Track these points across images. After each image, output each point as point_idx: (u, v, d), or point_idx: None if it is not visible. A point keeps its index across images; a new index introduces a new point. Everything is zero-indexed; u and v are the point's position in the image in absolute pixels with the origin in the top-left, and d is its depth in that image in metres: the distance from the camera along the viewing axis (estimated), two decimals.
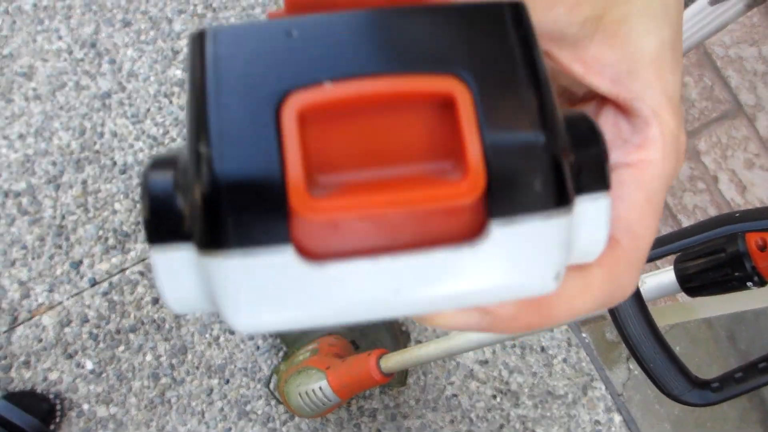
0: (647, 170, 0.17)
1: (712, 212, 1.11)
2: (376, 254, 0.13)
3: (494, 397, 1.17)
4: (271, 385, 1.05)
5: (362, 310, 0.14)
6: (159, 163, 0.14)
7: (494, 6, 0.14)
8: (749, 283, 0.65)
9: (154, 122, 1.15)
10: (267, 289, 0.13)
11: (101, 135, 1.12)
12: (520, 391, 1.19)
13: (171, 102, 1.16)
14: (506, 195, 0.13)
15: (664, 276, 0.72)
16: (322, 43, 0.13)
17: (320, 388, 0.90)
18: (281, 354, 1.08)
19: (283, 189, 0.12)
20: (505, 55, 0.14)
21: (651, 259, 0.64)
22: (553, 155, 0.13)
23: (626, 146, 0.18)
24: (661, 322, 1.30)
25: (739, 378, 0.59)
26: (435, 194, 0.13)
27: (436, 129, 0.13)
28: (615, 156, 0.18)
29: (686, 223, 1.16)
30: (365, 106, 0.13)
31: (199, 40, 0.14)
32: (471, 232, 0.13)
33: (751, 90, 1.00)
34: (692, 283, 0.70)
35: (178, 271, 0.14)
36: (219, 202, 0.13)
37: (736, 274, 0.66)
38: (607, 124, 0.18)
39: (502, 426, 1.16)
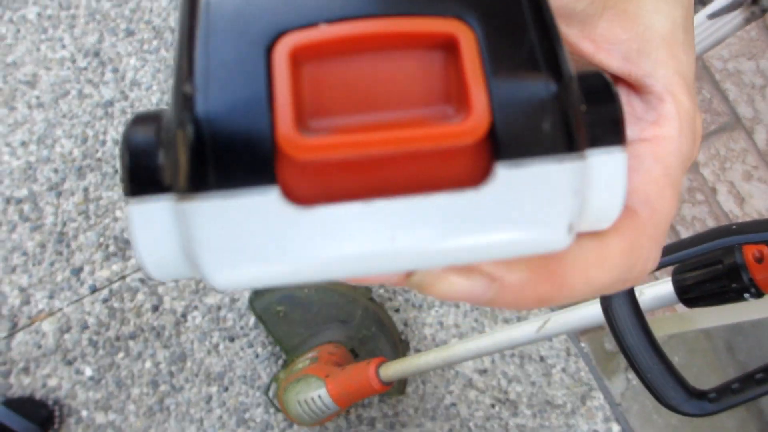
0: (663, 145, 0.17)
1: (711, 224, 1.11)
2: (370, 198, 0.12)
3: (493, 406, 1.17)
4: (270, 393, 1.05)
5: (354, 262, 0.12)
6: (141, 119, 0.14)
7: None
8: (746, 295, 0.66)
9: (125, 121, 1.15)
10: (249, 237, 0.12)
11: (103, 143, 1.13)
12: (519, 401, 1.19)
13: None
14: (513, 138, 0.12)
15: (662, 287, 0.72)
16: None
17: (319, 396, 0.90)
18: (280, 362, 1.08)
19: (270, 128, 0.12)
20: (512, 2, 0.13)
21: None
22: (562, 99, 0.13)
23: (640, 123, 0.17)
24: (660, 332, 1.31)
25: (736, 389, 0.60)
26: (434, 133, 0.12)
27: (438, 73, 0.13)
28: (630, 133, 0.17)
29: (685, 234, 1.16)
30: (362, 48, 0.12)
31: None
32: (475, 175, 0.12)
33: (749, 103, 1.01)
34: (690, 294, 0.70)
35: (155, 225, 0.13)
36: (202, 143, 0.12)
37: (734, 285, 0.66)
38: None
39: None
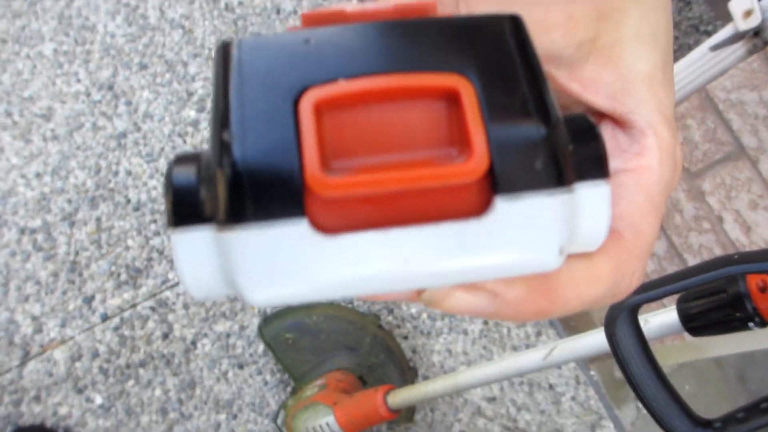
0: (646, 174, 0.18)
1: (718, 252, 1.11)
2: (386, 226, 0.14)
3: None
4: (279, 421, 1.05)
5: (373, 281, 0.14)
6: (183, 158, 0.16)
7: (494, 17, 0.15)
8: (750, 324, 0.66)
9: (168, 161, 1.18)
10: (282, 260, 0.14)
11: (116, 173, 1.15)
12: (528, 429, 1.18)
13: (185, 141, 1.19)
14: (509, 175, 0.14)
15: (667, 315, 0.73)
16: (337, 47, 0.14)
17: (327, 424, 0.90)
18: (289, 389, 1.09)
19: (299, 168, 0.14)
20: (504, 57, 0.15)
21: (652, 299, 0.65)
22: (551, 141, 0.14)
23: (625, 155, 0.19)
24: (670, 361, 1.30)
25: (741, 418, 0.60)
26: (440, 173, 0.14)
27: (442, 121, 0.14)
28: (615, 164, 0.19)
29: (692, 261, 1.16)
30: (376, 99, 0.14)
31: (224, 48, 0.15)
32: (478, 207, 0.14)
33: (753, 133, 1.02)
34: (695, 323, 0.71)
35: (197, 251, 0.15)
36: (240, 181, 0.14)
37: (738, 314, 0.67)
38: (606, 136, 0.19)
39: None
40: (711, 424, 0.59)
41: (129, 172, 1.16)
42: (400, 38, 0.15)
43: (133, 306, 1.09)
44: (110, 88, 1.20)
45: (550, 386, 1.23)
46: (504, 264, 0.14)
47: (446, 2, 0.17)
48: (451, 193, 0.14)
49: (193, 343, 1.08)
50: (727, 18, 1.03)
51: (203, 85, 1.23)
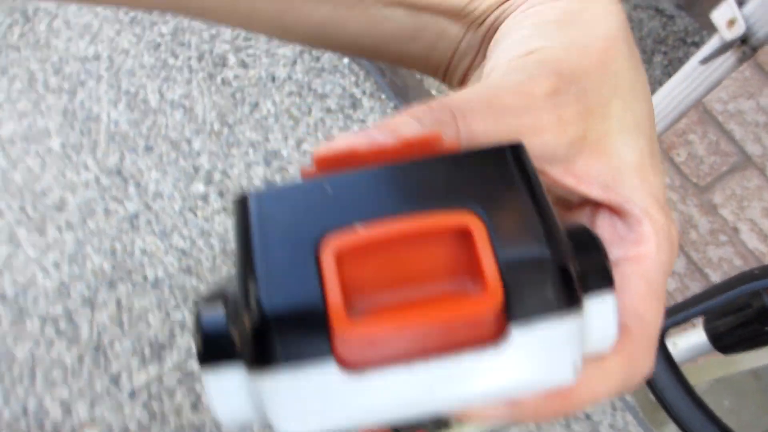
0: (645, 262, 0.19)
1: (738, 263, 1.10)
2: (410, 360, 0.15)
3: None
4: None
5: (401, 411, 0.15)
6: (210, 298, 0.17)
7: (497, 149, 0.16)
8: None
9: (181, 236, 1.20)
10: (313, 399, 0.15)
11: (131, 254, 1.17)
12: None
13: (196, 215, 1.21)
14: (522, 303, 0.15)
15: (695, 336, 0.72)
16: (352, 193, 0.15)
17: None
18: None
19: (324, 312, 0.14)
20: (509, 188, 0.16)
21: (677, 323, 0.64)
22: (559, 265, 0.15)
23: (624, 243, 0.20)
24: (705, 377, 1.28)
25: None
26: (459, 308, 0.14)
27: (455, 253, 0.15)
28: (616, 252, 0.20)
29: (713, 276, 1.15)
30: (393, 241, 0.15)
31: (242, 202, 0.16)
32: (494, 336, 0.15)
33: (756, 141, 1.02)
34: (724, 342, 0.70)
35: (229, 389, 0.16)
36: (268, 329, 0.14)
37: (766, 328, 0.66)
38: (605, 225, 0.21)
39: None
40: None
41: (144, 251, 1.17)
42: (410, 180, 0.16)
43: (160, 380, 1.09)
44: (118, 172, 1.22)
45: (587, 416, 1.21)
46: (522, 386, 0.15)
47: (445, 121, 0.18)
48: (470, 323, 0.15)
49: None
50: (712, 28, 1.04)
51: (209, 159, 1.25)
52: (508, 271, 0.15)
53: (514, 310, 0.15)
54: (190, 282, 1.17)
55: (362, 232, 0.15)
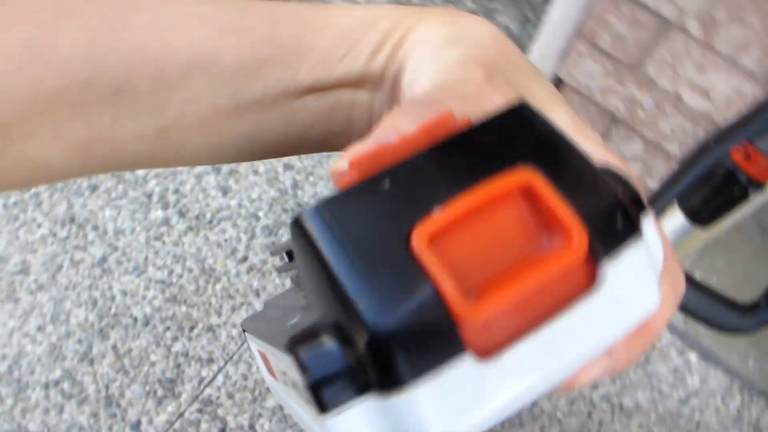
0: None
1: (689, 127, 1.12)
2: (530, 329, 0.15)
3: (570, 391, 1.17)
4: None
5: (536, 385, 0.15)
6: (300, 341, 0.15)
7: (513, 110, 0.17)
8: (751, 193, 0.67)
9: (156, 267, 1.18)
10: (458, 400, 0.14)
11: (112, 298, 1.15)
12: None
13: (164, 243, 1.19)
14: (601, 240, 0.15)
15: (673, 219, 0.73)
16: (409, 184, 0.15)
17: None
18: None
19: (443, 306, 0.14)
20: (544, 139, 0.16)
21: (657, 213, 0.65)
22: (618, 197, 0.16)
23: None
24: (692, 250, 1.31)
25: None
26: (557, 262, 0.14)
27: (526, 212, 0.15)
28: None
29: (671, 147, 1.17)
30: (470, 216, 0.15)
31: (301, 223, 0.15)
32: (591, 280, 0.15)
33: (668, 2, 1.02)
34: (702, 215, 0.71)
35: (363, 426, 0.15)
36: (392, 347, 0.13)
37: (736, 190, 0.68)
38: None
39: (590, 413, 1.16)
40: (758, 305, 0.60)
41: (124, 292, 1.15)
42: (454, 157, 0.16)
43: (181, 415, 1.08)
44: (72, 220, 1.19)
45: None
46: (631, 320, 0.16)
47: (432, 111, 0.18)
48: (567, 274, 0.15)
49: (251, 427, 1.08)
50: None
51: (157, 182, 1.22)
52: (579, 214, 0.15)
53: (597, 249, 0.15)
54: (179, 310, 1.16)
55: (442, 215, 0.14)
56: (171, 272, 1.17)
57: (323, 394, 0.15)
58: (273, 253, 0.27)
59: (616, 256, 0.15)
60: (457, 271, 0.14)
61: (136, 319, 1.13)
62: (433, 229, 0.14)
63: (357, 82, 0.26)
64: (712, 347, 1.29)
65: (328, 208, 0.15)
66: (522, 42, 1.57)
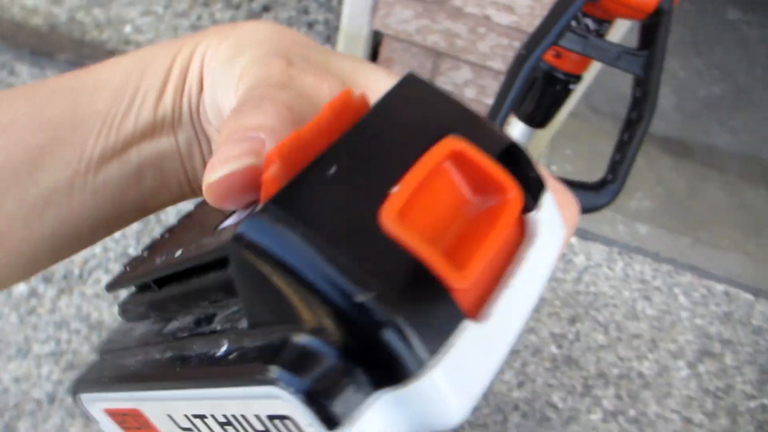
0: None
1: (505, 42, 1.18)
2: (504, 282, 0.15)
3: None
4: None
5: (521, 328, 0.15)
6: (294, 367, 0.13)
7: (406, 81, 0.17)
8: (571, 86, 0.73)
9: (40, 341, 1.11)
10: (469, 365, 0.14)
11: (6, 390, 1.07)
12: None
13: (39, 315, 1.12)
14: (527, 190, 0.16)
15: (517, 128, 0.79)
16: (356, 164, 0.15)
17: None
18: None
19: (433, 277, 0.13)
20: (448, 105, 0.17)
21: (497, 123, 0.70)
22: (524, 151, 0.17)
23: None
24: (541, 146, 1.40)
25: (617, 159, 0.67)
26: (510, 215, 0.15)
27: (463, 178, 0.16)
28: None
29: (495, 64, 1.23)
30: (422, 187, 0.15)
31: (241, 241, 0.14)
32: (526, 227, 0.17)
33: None
34: (537, 118, 0.77)
35: (377, 428, 0.13)
36: (403, 333, 0.13)
37: (558, 87, 0.74)
38: None
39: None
40: (605, 181, 0.66)
41: (16, 379, 1.08)
42: (383, 135, 0.15)
43: None
44: None
45: None
46: (555, 253, 0.17)
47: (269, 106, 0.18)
48: (513, 226, 0.16)
49: None
50: None
51: None
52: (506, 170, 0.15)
53: (527, 199, 0.16)
54: None
55: (400, 191, 0.14)
56: (58, 341, 1.11)
57: (330, 405, 0.13)
58: (111, 288, 0.25)
59: (540, 205, 0.17)
60: (432, 241, 0.14)
61: (39, 402, 1.07)
62: (398, 206, 0.14)
63: (152, 131, 0.24)
64: (585, 227, 1.41)
65: (275, 212, 0.14)
66: (336, 8, 1.58)
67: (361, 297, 0.13)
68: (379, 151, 0.15)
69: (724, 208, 1.53)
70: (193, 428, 0.19)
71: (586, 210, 0.69)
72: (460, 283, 0.13)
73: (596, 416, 1.21)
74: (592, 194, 0.68)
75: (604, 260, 1.38)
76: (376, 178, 0.14)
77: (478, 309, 0.14)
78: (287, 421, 0.15)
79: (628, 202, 1.47)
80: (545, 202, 0.17)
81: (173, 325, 0.21)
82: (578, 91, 1.20)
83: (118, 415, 0.22)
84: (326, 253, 0.13)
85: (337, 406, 0.13)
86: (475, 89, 1.29)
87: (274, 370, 0.14)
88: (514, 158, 0.17)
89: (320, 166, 0.14)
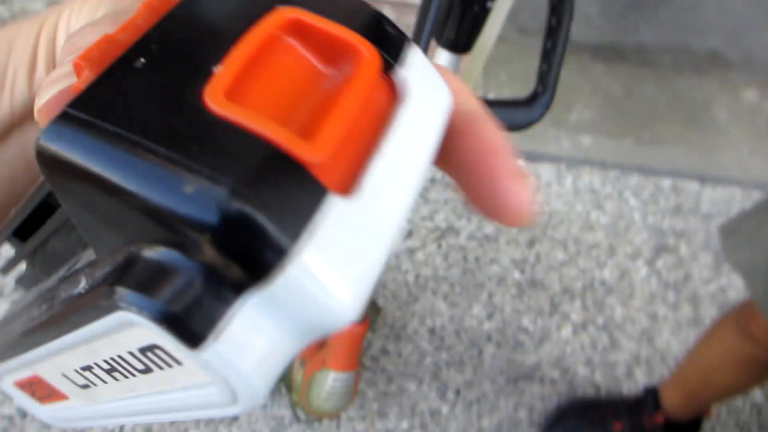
0: None
1: None
2: (374, 151, 0.13)
3: (440, 246, 1.25)
4: (304, 417, 1.07)
5: (408, 199, 0.14)
6: (144, 286, 0.12)
7: None
8: (489, 4, 0.72)
9: None
10: (348, 244, 0.12)
11: None
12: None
13: None
14: (384, 48, 0.15)
15: (440, 58, 0.77)
16: (169, 51, 0.13)
17: (334, 380, 0.93)
18: (286, 396, 1.10)
19: (284, 155, 0.12)
20: None
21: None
22: (374, 9, 0.16)
23: None
24: (474, 81, 1.39)
25: (545, 69, 0.66)
26: (366, 75, 0.13)
27: (308, 48, 0.14)
28: None
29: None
30: (254, 63, 0.13)
31: (45, 153, 0.12)
32: (394, 89, 0.15)
33: None
34: (460, 42, 0.76)
35: (250, 335, 0.12)
36: (256, 219, 0.11)
37: (476, 8, 0.72)
38: None
39: (465, 256, 1.25)
40: (536, 94, 0.65)
41: None
42: (200, 17, 0.14)
43: None
44: None
45: None
46: (441, 114, 0.15)
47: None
48: (374, 88, 0.14)
49: None
50: None
51: None
52: (356, 31, 0.14)
53: (386, 57, 0.15)
54: None
55: (225, 71, 0.12)
56: (11, 422, 1.07)
57: (187, 321, 0.11)
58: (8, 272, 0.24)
59: (403, 61, 0.15)
60: (278, 119, 0.12)
61: (11, 417, 1.03)
62: (223, 85, 0.12)
63: (32, 110, 0.23)
64: (531, 149, 1.41)
65: (74, 115, 0.12)
66: None
67: (188, 187, 0.11)
68: (198, 35, 0.13)
69: (661, 104, 1.56)
70: (90, 383, 0.17)
71: (523, 126, 0.69)
72: (314, 155, 0.12)
73: (567, 330, 1.23)
74: (526, 109, 0.68)
75: (554, 178, 1.40)
76: (196, 62, 0.13)
77: (346, 182, 0.13)
78: (158, 351, 0.13)
79: (569, 116, 1.48)
80: (411, 58, 0.15)
81: (52, 279, 0.19)
82: (503, 12, 1.19)
83: (26, 386, 0.21)
84: (140, 148, 0.11)
85: (196, 321, 0.11)
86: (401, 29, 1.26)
87: (119, 292, 0.12)
88: (378, 28, 0.15)
89: (126, 61, 0.13)
